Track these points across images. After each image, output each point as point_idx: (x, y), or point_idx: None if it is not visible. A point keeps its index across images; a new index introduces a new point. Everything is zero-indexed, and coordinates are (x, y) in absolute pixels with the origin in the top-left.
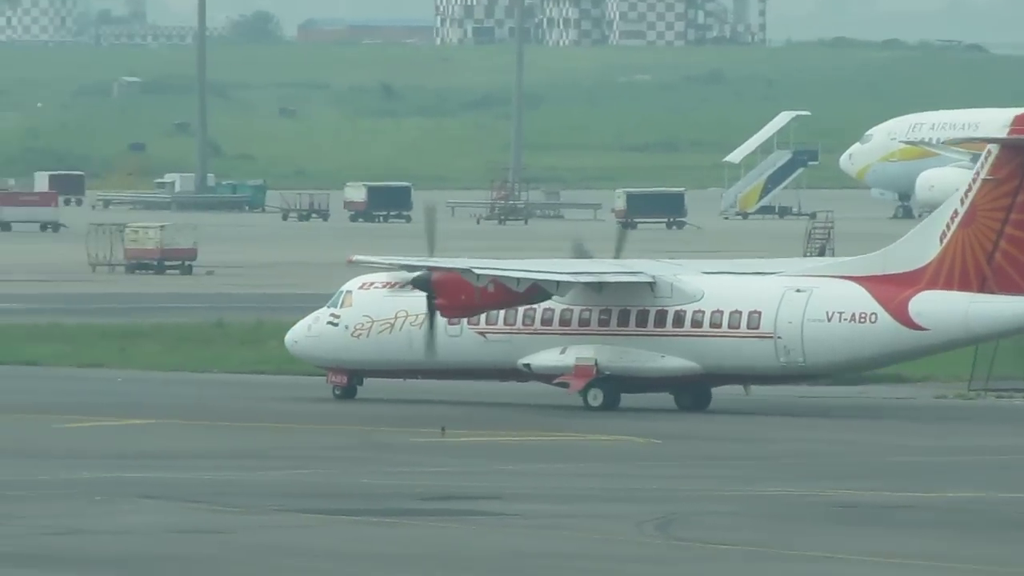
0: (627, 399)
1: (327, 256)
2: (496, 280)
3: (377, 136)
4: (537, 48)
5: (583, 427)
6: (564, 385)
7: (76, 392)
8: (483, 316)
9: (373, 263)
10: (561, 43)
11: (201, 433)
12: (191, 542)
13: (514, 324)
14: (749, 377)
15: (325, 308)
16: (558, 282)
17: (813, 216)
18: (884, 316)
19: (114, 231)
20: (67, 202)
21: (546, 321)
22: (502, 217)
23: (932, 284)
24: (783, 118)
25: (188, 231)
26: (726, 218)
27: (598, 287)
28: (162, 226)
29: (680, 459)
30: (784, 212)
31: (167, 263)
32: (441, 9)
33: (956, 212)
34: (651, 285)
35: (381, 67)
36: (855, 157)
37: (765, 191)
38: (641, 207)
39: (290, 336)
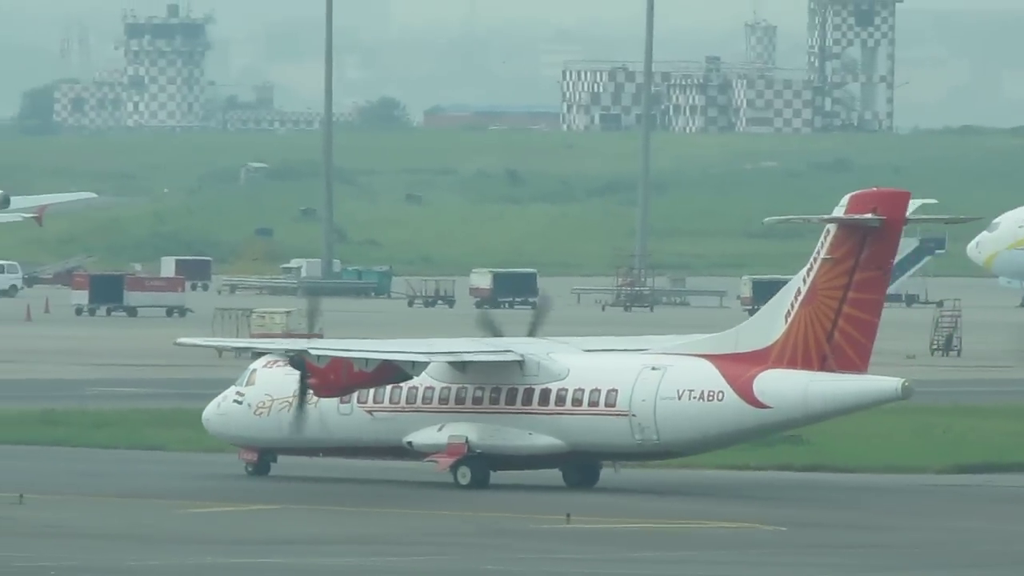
0: (519, 475)
1: None
2: (371, 361)
3: (503, 222)
4: (663, 135)
5: (709, 513)
6: (434, 462)
7: (200, 477)
8: (371, 395)
9: (199, 345)
10: (688, 130)
11: (325, 518)
12: None
13: (399, 403)
14: (610, 455)
15: (234, 386)
16: (413, 362)
17: (940, 304)
18: (730, 394)
19: (240, 316)
20: (193, 287)
21: (427, 400)
22: (627, 304)
23: (778, 362)
24: (910, 206)
25: None
26: None
27: (461, 366)
28: (288, 311)
29: (805, 546)
30: (911, 300)
31: None
32: (568, 96)
33: (799, 291)
34: (520, 364)
35: (507, 153)
36: (982, 245)
37: (892, 278)
38: (767, 294)
39: (204, 413)
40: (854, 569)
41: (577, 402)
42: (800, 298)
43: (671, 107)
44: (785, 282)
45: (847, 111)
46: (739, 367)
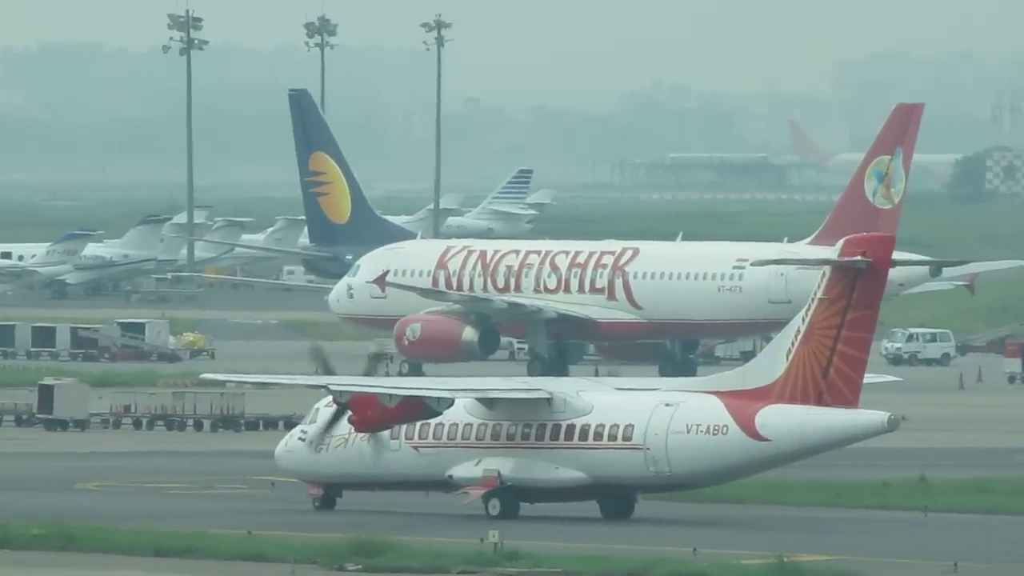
0: (555, 508)
1: None
2: (393, 397)
3: None
4: None
5: None
6: (465, 494)
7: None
8: (417, 432)
9: (219, 380)
10: None
11: None
12: None
13: (441, 438)
14: (628, 486)
15: (300, 424)
16: (438, 398)
17: None
18: (734, 428)
19: None
20: None
21: (466, 436)
22: None
23: (780, 398)
24: None
25: None
26: None
27: (490, 403)
28: None
29: None
30: None
31: None
32: None
33: (799, 330)
34: (548, 401)
35: None
36: None
37: None
38: None
39: (276, 451)
40: None
41: (598, 436)
42: (799, 336)
43: None
44: None
45: None
46: (743, 403)
